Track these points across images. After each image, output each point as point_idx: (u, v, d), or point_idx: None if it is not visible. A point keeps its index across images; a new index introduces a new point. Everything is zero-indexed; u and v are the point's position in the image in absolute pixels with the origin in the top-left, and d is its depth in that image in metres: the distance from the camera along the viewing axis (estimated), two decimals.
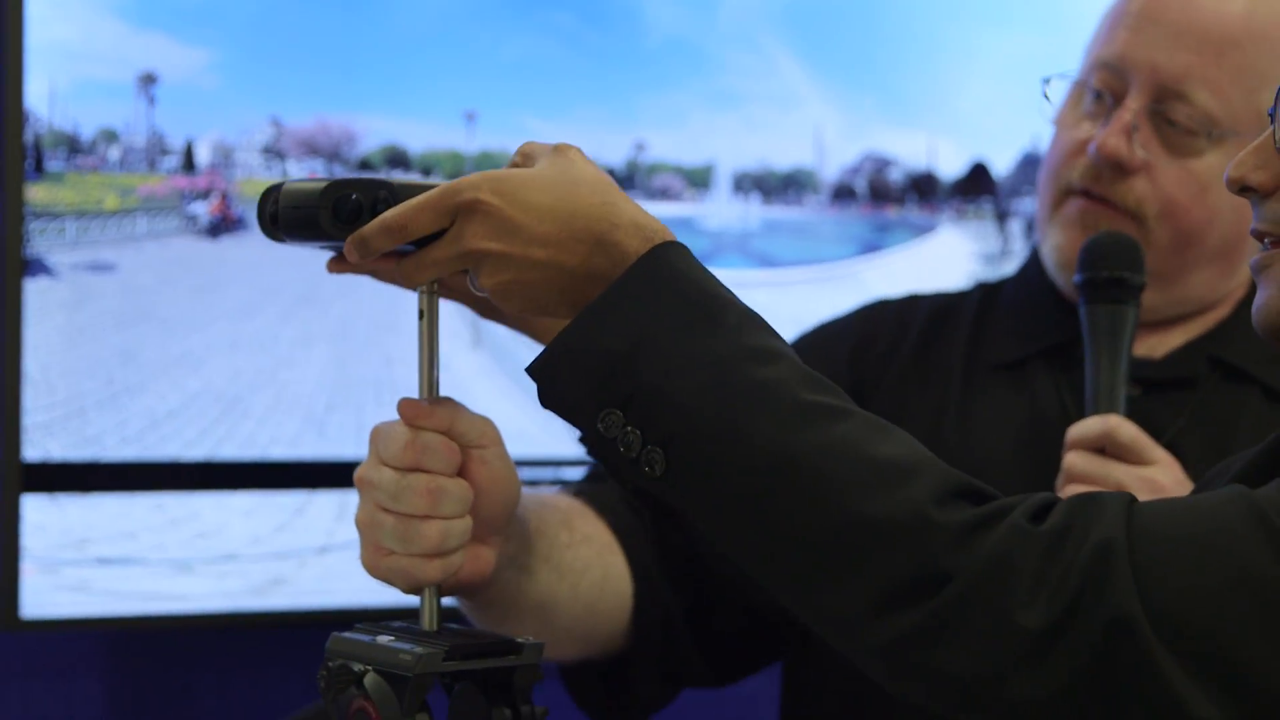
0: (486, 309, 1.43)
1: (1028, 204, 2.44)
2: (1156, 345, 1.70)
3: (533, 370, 1.17)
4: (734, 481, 1.09)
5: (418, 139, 2.20)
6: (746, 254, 2.31)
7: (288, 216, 1.22)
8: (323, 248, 1.26)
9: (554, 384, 1.16)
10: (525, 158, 1.23)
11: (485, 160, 2.20)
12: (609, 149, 2.25)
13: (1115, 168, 1.67)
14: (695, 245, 2.25)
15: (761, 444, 1.08)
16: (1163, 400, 1.66)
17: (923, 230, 2.45)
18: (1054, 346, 1.71)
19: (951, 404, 1.69)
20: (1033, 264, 1.80)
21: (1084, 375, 1.60)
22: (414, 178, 1.21)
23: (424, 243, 1.20)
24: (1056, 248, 1.71)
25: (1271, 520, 1.00)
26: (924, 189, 2.43)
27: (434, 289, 1.28)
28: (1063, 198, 1.71)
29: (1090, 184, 1.69)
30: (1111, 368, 1.57)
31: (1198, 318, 1.73)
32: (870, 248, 2.41)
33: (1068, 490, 1.51)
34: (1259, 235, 1.17)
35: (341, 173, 2.15)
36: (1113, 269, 1.59)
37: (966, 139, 2.44)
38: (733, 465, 1.08)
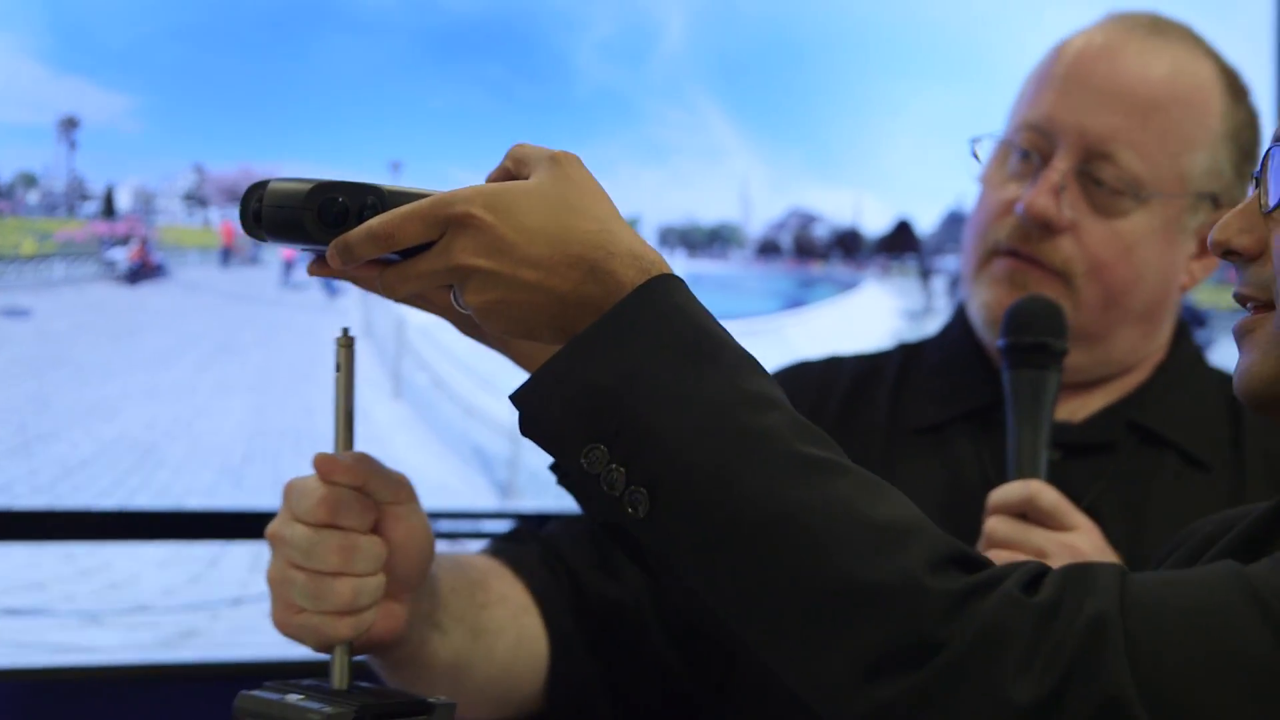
0: (467, 326, 1.41)
1: (951, 261, 2.44)
2: (1078, 409, 1.71)
3: (516, 398, 1.12)
4: (722, 531, 1.05)
5: None
6: None
7: (271, 216, 1.19)
8: (305, 249, 1.22)
9: (537, 413, 1.11)
10: (517, 164, 1.18)
11: None
12: None
13: (1043, 227, 1.68)
14: None
15: (753, 495, 1.04)
16: (1082, 464, 1.67)
17: (847, 286, 2.46)
18: (975, 410, 1.71)
19: (874, 468, 1.69)
20: (956, 324, 1.80)
21: (1004, 439, 1.60)
22: (406, 185, 1.17)
23: (410, 253, 1.16)
24: (984, 305, 1.71)
25: (1266, 599, 0.98)
26: (849, 245, 2.43)
27: (350, 343, 1.26)
28: (990, 256, 1.72)
29: (1018, 244, 1.70)
30: (1033, 433, 1.58)
31: (1117, 380, 1.73)
32: (795, 303, 2.41)
33: (990, 557, 1.51)
34: (1242, 300, 1.16)
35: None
36: (1036, 334, 1.60)
37: (891, 196, 2.44)
38: (722, 514, 1.05)
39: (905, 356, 1.81)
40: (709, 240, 2.34)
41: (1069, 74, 1.70)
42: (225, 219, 2.17)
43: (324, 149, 2.19)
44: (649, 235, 2.30)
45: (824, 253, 2.41)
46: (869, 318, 2.45)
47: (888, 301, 2.47)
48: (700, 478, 1.05)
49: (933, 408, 1.73)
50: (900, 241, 2.45)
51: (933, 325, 2.30)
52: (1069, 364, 1.62)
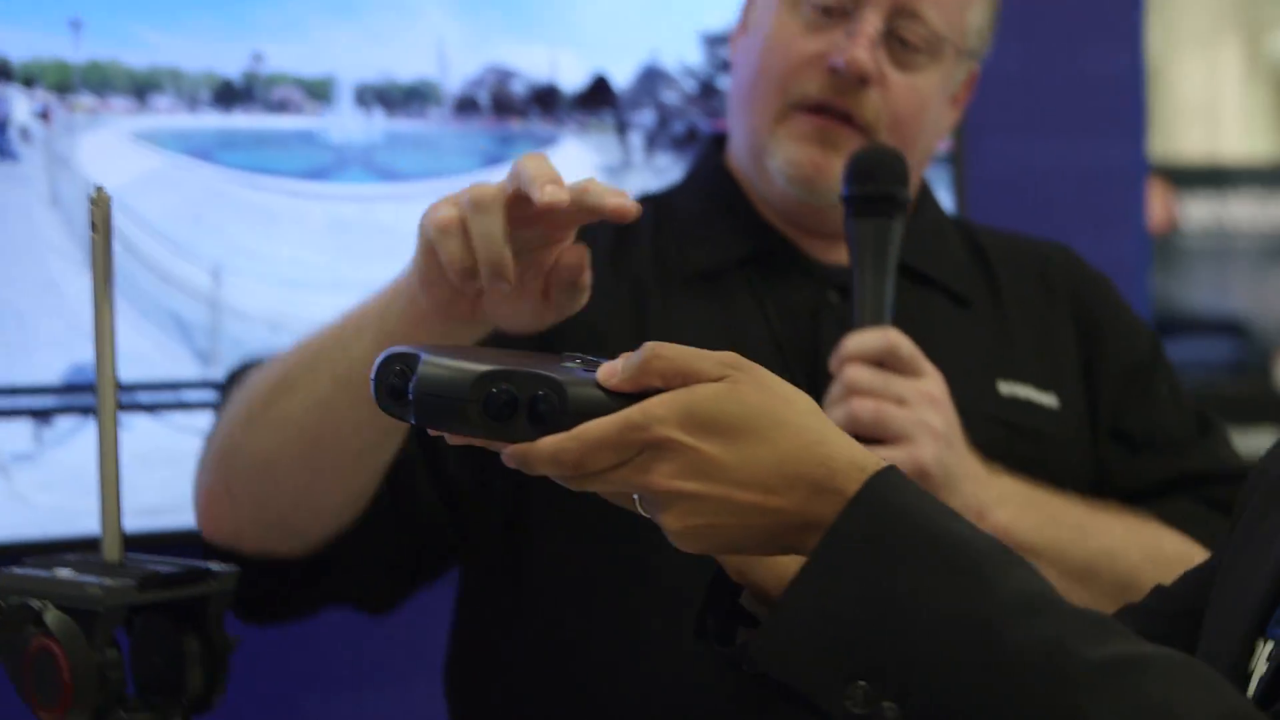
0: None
1: (647, 116, 2.46)
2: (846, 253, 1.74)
3: (758, 644, 1.03)
4: None
5: (20, 48, 2.09)
6: (370, 168, 2.28)
7: (427, 403, 1.08)
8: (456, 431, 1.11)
9: (785, 655, 1.02)
10: (687, 375, 1.06)
11: (94, 71, 2.11)
12: (224, 60, 2.18)
13: (860, 82, 1.69)
14: (317, 160, 2.22)
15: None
16: None
17: (545, 142, 2.46)
18: (748, 258, 1.74)
19: (652, 316, 1.71)
20: (709, 173, 1.81)
21: (784, 288, 1.63)
22: (583, 377, 1.09)
23: None
24: (791, 162, 1.72)
25: None
26: (546, 102, 2.43)
27: (105, 201, 1.21)
28: (789, 111, 1.72)
29: (831, 97, 1.71)
30: (881, 281, 1.58)
31: None
32: (493, 160, 2.41)
33: (854, 405, 1.51)
34: None
35: None
36: (881, 184, 1.63)
37: (587, 51, 2.45)
38: None
39: (654, 207, 1.80)
40: (406, 98, 2.32)
41: None
42: None
43: None
44: (344, 94, 2.27)
45: (522, 110, 2.41)
46: (568, 174, 2.46)
47: (586, 157, 2.48)
48: (987, 705, 0.97)
49: (702, 255, 1.75)
50: (597, 97, 2.46)
51: (633, 180, 2.33)
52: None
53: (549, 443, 1.05)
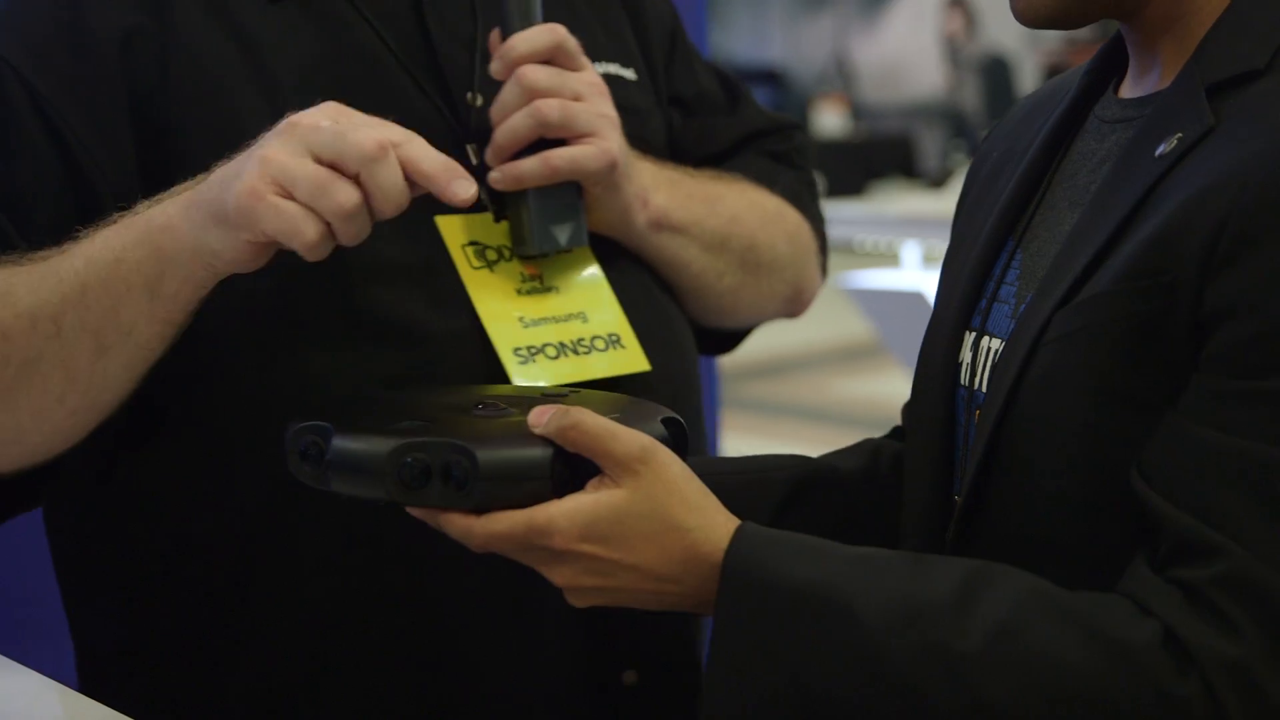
0: None
1: None
2: None
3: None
4: None
5: None
6: None
7: (344, 473, 1.14)
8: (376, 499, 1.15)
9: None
10: (599, 456, 1.14)
11: None
12: None
13: None
14: None
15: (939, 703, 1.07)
16: None
17: None
18: None
19: (242, 37, 1.44)
20: None
21: None
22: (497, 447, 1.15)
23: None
24: None
25: None
26: None
27: None
28: None
29: None
30: None
31: None
32: None
33: (540, 106, 1.42)
34: None
35: None
36: None
37: None
38: None
39: None
40: None
41: None
42: None
43: None
44: None
45: None
46: None
47: None
48: (899, 712, 1.08)
49: None
50: None
51: None
52: None
53: (459, 524, 1.14)
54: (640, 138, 1.55)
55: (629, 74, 1.60)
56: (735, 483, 1.34)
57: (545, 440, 1.14)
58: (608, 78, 1.53)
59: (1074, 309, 1.12)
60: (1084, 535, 1.12)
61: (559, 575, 1.15)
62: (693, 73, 1.70)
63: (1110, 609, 1.06)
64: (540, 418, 1.15)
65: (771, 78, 14.90)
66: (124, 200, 1.34)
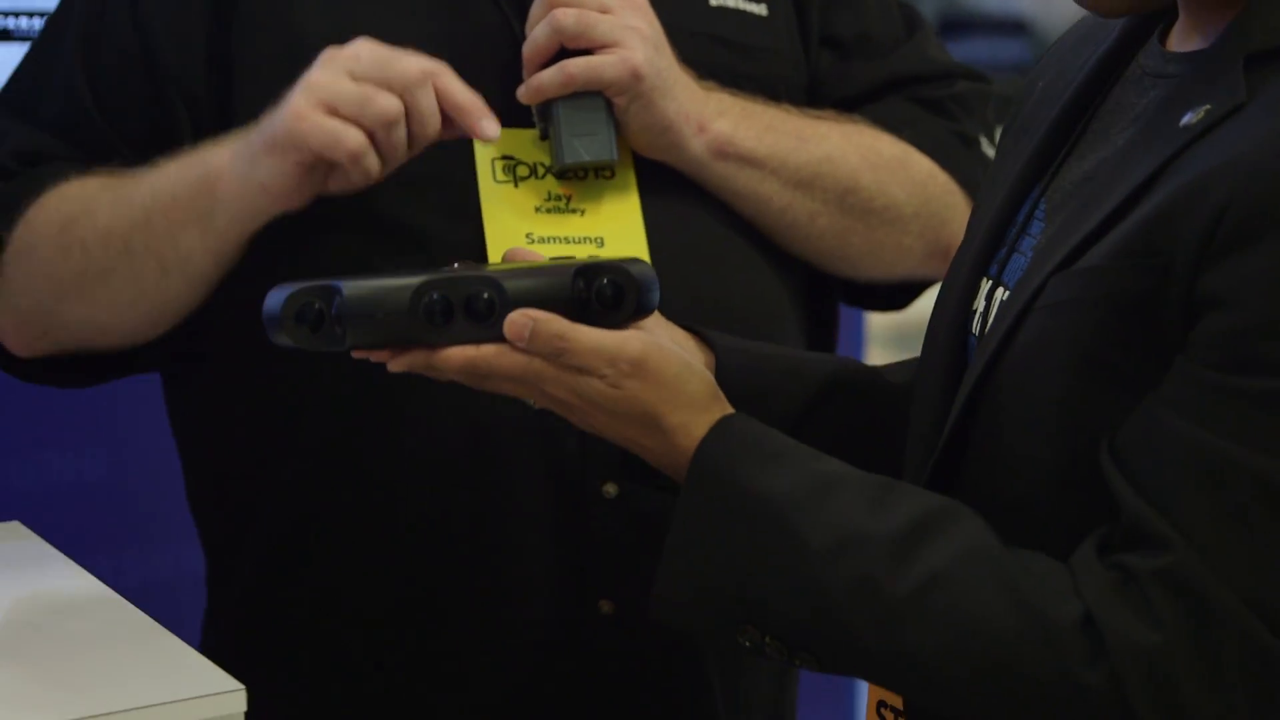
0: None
1: None
2: None
3: (656, 607, 1.19)
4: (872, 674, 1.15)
5: None
6: None
7: (357, 320, 1.16)
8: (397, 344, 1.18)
9: (677, 613, 1.19)
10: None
11: None
12: None
13: None
14: None
15: (866, 645, 1.10)
16: None
17: None
18: None
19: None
20: None
21: None
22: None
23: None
24: None
25: None
26: None
27: None
28: None
29: None
30: None
31: None
32: None
33: (557, 14, 1.43)
34: None
35: None
36: None
37: None
38: (859, 666, 1.13)
39: None
40: None
41: None
42: None
43: None
44: None
45: None
46: None
47: None
48: (830, 642, 1.13)
49: None
50: None
51: None
52: None
53: (468, 356, 1.17)
54: (750, 75, 1.55)
55: (758, 9, 1.59)
56: (772, 367, 1.36)
57: (567, 268, 1.19)
58: (729, 11, 1.55)
59: (1068, 277, 1.10)
60: (1053, 500, 1.11)
61: (559, 390, 1.18)
62: (858, 13, 1.66)
63: (1047, 582, 1.06)
64: (522, 331, 1.17)
65: (1019, 28, 14.52)
66: (193, 109, 1.47)
